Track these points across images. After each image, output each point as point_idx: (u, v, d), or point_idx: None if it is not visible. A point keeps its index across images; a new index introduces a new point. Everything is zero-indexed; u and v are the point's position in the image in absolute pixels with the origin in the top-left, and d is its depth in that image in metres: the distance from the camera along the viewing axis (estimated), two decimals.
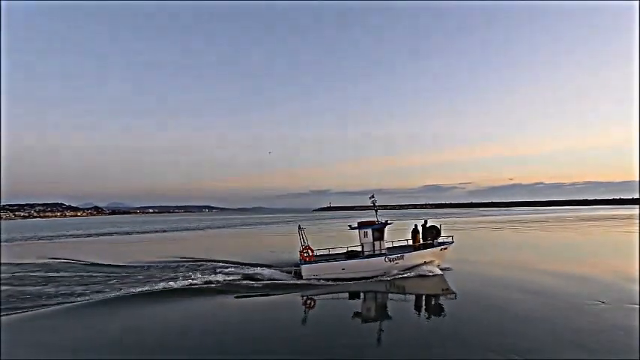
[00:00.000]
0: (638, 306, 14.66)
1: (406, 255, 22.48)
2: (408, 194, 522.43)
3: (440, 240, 23.76)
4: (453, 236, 24.73)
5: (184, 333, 13.22)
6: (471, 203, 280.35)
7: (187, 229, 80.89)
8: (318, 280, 21.21)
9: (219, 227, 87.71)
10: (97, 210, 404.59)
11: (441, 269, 22.53)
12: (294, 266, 23.27)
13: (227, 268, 24.57)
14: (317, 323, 14.19)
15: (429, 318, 14.83)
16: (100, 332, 13.45)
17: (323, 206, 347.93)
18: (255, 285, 20.41)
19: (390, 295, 18.79)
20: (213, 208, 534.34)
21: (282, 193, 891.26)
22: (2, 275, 24.85)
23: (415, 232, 24.17)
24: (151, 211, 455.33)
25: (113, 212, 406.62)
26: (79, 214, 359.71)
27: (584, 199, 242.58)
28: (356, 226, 23.25)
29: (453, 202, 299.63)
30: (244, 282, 20.93)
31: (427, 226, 24.11)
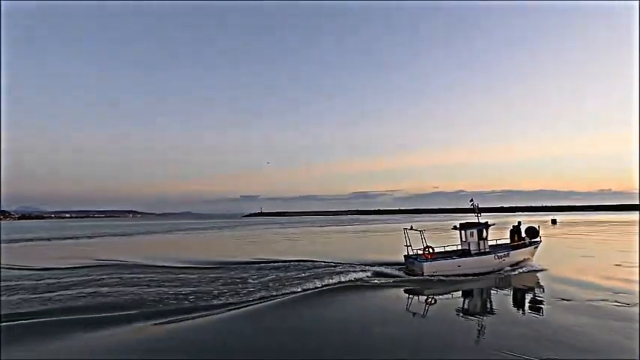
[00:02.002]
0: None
1: (511, 253, 24.92)
2: (339, 201, 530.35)
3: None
4: (541, 236, 27.39)
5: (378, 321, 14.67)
6: (399, 210, 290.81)
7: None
8: (438, 276, 22.55)
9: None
10: (3, 214, 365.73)
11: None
12: (404, 264, 24.89)
13: (336, 267, 25.90)
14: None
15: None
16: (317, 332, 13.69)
17: (254, 212, 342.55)
18: (387, 281, 22.02)
19: (512, 291, 20.24)
20: (138, 212, 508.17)
21: (209, 198, 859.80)
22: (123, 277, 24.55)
23: (513, 232, 26.75)
24: (67, 215, 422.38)
25: (23, 216, 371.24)
26: None
27: (500, 207, 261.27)
28: (458, 226, 25.54)
29: (381, 209, 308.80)
30: (375, 279, 22.45)
31: (526, 227, 27.12)
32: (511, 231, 26.96)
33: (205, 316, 15.58)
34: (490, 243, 25.69)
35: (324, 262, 28.43)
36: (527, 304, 17.23)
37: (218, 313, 15.90)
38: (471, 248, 24.50)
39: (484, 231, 24.77)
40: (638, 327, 12.84)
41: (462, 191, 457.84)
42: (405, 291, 20.26)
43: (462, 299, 19.27)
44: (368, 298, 18.97)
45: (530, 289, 20.20)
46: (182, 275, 24.85)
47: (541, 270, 24.20)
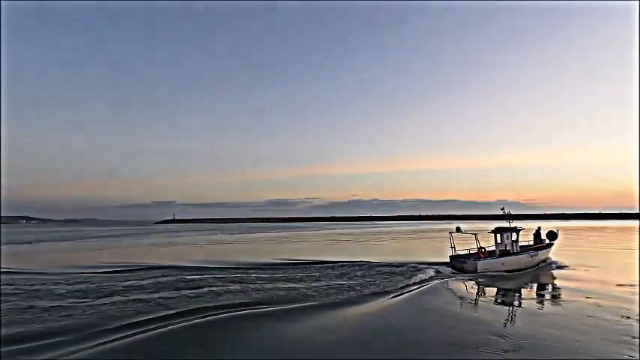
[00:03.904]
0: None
1: (539, 252, 29.06)
2: (254, 208, 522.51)
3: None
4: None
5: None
6: (317, 217, 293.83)
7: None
8: (487, 273, 25.41)
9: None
10: None
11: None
12: (450, 263, 27.82)
13: (401, 267, 27.23)
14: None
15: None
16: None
17: (167, 218, 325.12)
18: (464, 277, 24.47)
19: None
20: (32, 218, 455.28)
21: (117, 203, 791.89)
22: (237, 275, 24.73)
23: (536, 235, 31.62)
24: None
25: None
26: None
27: (411, 215, 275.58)
28: (493, 230, 29.13)
29: (299, 217, 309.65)
30: (449, 275, 24.99)
31: (547, 231, 31.78)
32: (534, 234, 31.73)
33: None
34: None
35: (382, 262, 29.73)
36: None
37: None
38: (508, 249, 28.10)
39: (515, 234, 28.63)
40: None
41: (376, 199, 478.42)
42: (486, 285, 22.62)
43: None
44: (463, 291, 20.90)
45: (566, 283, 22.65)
46: (262, 274, 25.12)
47: (564, 267, 28.13)
